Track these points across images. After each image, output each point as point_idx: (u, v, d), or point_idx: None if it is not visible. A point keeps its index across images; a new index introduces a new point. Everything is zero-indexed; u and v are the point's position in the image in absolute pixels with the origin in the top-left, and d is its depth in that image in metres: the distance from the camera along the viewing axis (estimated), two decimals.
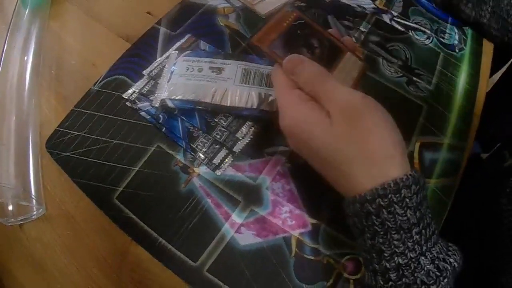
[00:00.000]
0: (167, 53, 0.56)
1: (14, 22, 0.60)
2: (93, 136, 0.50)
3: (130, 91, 0.53)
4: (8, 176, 0.47)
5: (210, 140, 0.49)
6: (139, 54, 0.57)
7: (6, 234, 0.46)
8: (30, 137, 0.51)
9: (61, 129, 0.51)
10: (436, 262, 0.33)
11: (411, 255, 0.32)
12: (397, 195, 0.32)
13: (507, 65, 1.05)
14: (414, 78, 0.60)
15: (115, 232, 0.45)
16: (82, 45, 0.60)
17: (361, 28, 0.64)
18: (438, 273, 0.32)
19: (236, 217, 0.44)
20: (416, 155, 0.53)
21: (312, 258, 0.43)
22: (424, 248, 0.33)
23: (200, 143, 0.49)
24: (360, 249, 0.37)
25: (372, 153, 0.34)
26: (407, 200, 0.33)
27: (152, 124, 0.51)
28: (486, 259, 0.50)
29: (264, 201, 0.46)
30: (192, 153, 0.48)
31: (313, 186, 0.46)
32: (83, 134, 0.50)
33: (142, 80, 0.54)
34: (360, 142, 0.35)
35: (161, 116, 0.51)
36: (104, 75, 0.55)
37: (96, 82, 0.54)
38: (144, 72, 0.54)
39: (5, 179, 0.47)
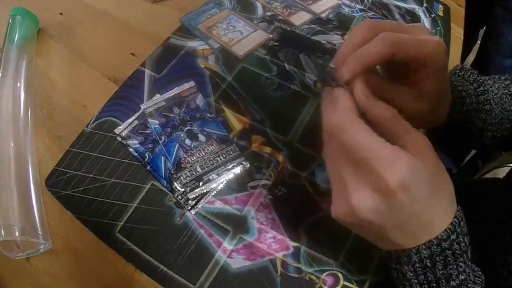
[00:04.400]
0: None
1: (4, 59, 0.73)
2: (90, 175, 0.64)
3: (121, 127, 0.68)
4: (14, 215, 0.58)
5: (187, 182, 0.63)
6: (127, 97, 0.72)
7: (13, 267, 0.58)
8: (31, 176, 0.63)
9: (59, 169, 0.64)
10: (475, 270, 0.47)
11: (467, 270, 0.44)
12: (460, 228, 0.43)
13: None
14: None
15: (119, 262, 0.58)
16: (70, 85, 0.74)
17: (331, 65, 0.79)
18: (480, 279, 0.46)
19: (227, 244, 0.59)
20: None
21: (295, 276, 0.58)
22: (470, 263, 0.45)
23: (179, 185, 0.63)
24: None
25: (447, 200, 0.43)
26: (464, 229, 0.44)
27: (139, 162, 0.65)
28: None
29: (250, 229, 0.60)
30: (171, 194, 0.63)
31: (292, 214, 0.62)
32: (80, 173, 0.64)
33: (133, 117, 0.69)
34: (442, 190, 0.42)
35: (146, 155, 0.65)
36: (96, 116, 0.69)
37: (88, 124, 0.68)
38: (142, 105, 0.70)
39: (12, 218, 0.58)
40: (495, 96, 0.60)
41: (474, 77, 0.60)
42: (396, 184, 0.37)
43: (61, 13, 0.86)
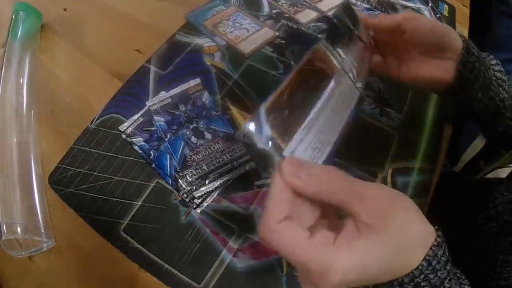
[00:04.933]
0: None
1: (7, 55, 0.72)
2: (94, 173, 0.63)
3: (126, 124, 0.67)
4: (17, 212, 0.58)
5: (193, 180, 0.62)
6: (132, 94, 0.71)
7: (15, 266, 0.58)
8: (34, 173, 0.62)
9: (63, 166, 0.63)
10: None
11: None
12: (429, 268, 0.39)
13: None
14: (387, 109, 0.74)
15: (124, 260, 0.57)
16: (74, 81, 0.73)
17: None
18: None
19: (233, 243, 0.58)
20: (389, 179, 0.67)
21: None
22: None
23: (184, 183, 0.62)
24: None
25: (413, 252, 0.40)
26: (437, 266, 0.40)
27: (144, 160, 0.64)
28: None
29: (256, 228, 0.59)
30: (177, 192, 0.62)
31: None
32: (84, 171, 0.63)
33: (138, 114, 0.68)
34: (405, 251, 0.39)
35: (151, 152, 0.64)
36: (100, 113, 0.68)
37: (92, 120, 0.67)
38: (147, 102, 0.69)
39: (15, 215, 0.57)
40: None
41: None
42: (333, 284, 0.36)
43: (65, 9, 0.85)
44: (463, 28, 0.94)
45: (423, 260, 0.39)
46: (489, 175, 1.21)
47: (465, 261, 0.56)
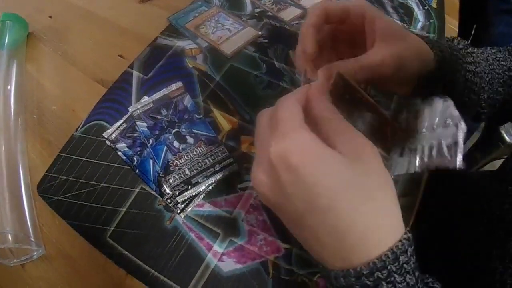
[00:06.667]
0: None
1: None
2: (81, 180, 0.63)
3: (110, 130, 0.67)
4: (7, 222, 0.58)
5: (176, 185, 0.62)
6: (115, 100, 0.71)
7: (9, 274, 0.58)
8: (22, 182, 0.63)
9: (50, 174, 0.64)
10: None
11: None
12: (395, 264, 0.34)
13: None
14: None
15: (111, 266, 0.57)
16: (60, 90, 0.74)
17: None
18: None
19: (217, 248, 0.59)
20: None
21: (287, 278, 0.57)
22: None
23: (168, 188, 0.62)
24: None
25: (377, 218, 0.35)
26: (405, 265, 0.34)
27: (128, 165, 0.65)
28: (456, 268, 0.60)
29: (240, 232, 0.60)
30: (160, 197, 0.62)
31: None
32: (71, 178, 0.63)
33: (121, 120, 0.68)
34: (371, 199, 0.35)
35: (135, 158, 0.65)
36: (84, 121, 0.69)
37: (77, 128, 0.68)
38: (130, 108, 0.69)
39: (5, 224, 0.58)
40: (481, 55, 0.57)
41: (457, 41, 0.57)
42: (274, 155, 0.35)
43: (50, 16, 0.85)
44: (453, 20, 0.93)
45: (388, 250, 0.34)
46: (485, 168, 1.21)
47: (458, 256, 0.56)
